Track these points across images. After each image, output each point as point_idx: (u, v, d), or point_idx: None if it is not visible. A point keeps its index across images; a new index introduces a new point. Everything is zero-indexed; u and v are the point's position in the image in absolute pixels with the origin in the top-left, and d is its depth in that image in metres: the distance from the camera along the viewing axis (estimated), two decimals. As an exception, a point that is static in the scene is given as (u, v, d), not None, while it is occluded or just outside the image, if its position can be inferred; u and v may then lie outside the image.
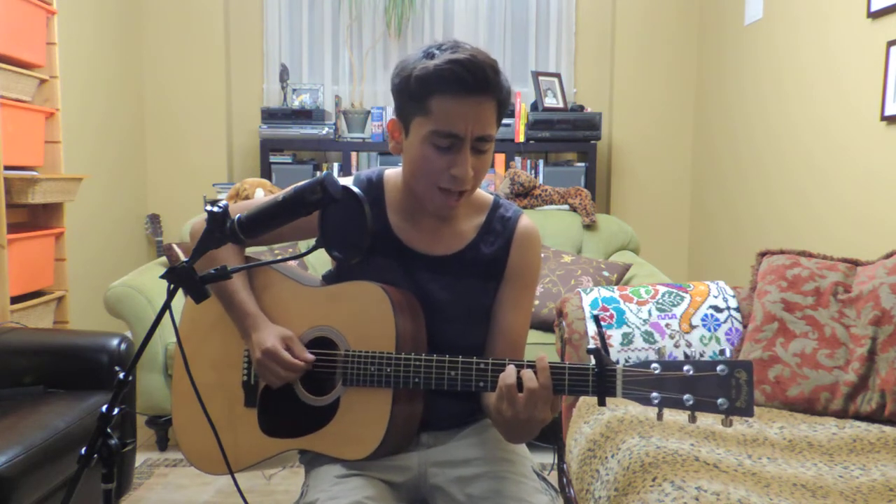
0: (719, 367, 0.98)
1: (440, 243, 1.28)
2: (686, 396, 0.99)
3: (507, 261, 1.29)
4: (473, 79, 1.11)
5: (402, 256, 1.27)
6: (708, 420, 1.59)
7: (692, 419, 1.01)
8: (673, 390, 1.00)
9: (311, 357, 1.23)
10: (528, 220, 1.32)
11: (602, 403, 1.05)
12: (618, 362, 1.06)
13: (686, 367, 1.00)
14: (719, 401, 0.97)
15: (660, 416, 1.02)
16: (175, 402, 1.37)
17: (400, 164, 1.27)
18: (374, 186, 1.31)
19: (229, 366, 1.32)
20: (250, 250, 1.43)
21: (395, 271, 1.27)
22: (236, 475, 1.23)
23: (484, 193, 1.34)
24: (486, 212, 1.31)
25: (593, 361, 1.05)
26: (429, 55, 1.14)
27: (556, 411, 1.10)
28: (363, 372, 1.19)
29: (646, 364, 1.02)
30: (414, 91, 1.13)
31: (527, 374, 1.05)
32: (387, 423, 1.18)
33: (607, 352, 1.05)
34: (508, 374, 1.05)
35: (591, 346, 1.05)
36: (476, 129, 1.14)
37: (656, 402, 1.01)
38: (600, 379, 1.04)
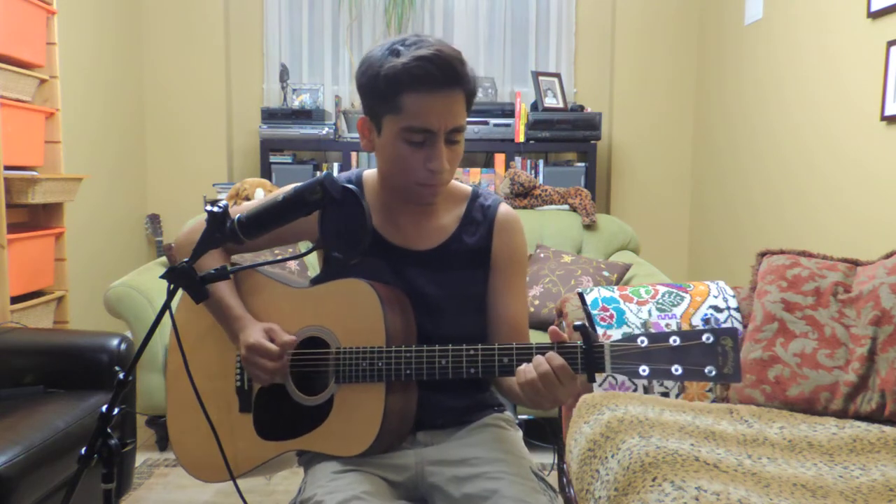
0: (705, 336, 1.00)
1: (423, 238, 1.29)
2: (675, 367, 1.01)
3: (490, 248, 1.30)
4: (442, 74, 1.12)
5: (387, 254, 1.28)
6: (708, 420, 1.59)
7: (682, 389, 1.02)
8: (661, 362, 1.01)
9: (292, 338, 1.23)
10: (507, 206, 1.34)
11: (592, 380, 1.06)
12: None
13: (672, 338, 1.01)
14: (707, 369, 0.99)
15: (648, 390, 1.03)
16: (171, 411, 1.36)
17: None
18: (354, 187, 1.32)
19: (222, 373, 1.32)
20: (238, 257, 1.42)
21: (383, 269, 1.27)
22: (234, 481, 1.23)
23: (462, 185, 1.36)
24: (466, 202, 1.33)
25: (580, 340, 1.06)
26: (394, 52, 1.14)
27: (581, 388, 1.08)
28: (355, 368, 1.19)
29: (632, 338, 1.03)
30: (383, 90, 1.14)
31: (538, 362, 1.06)
32: (381, 417, 1.18)
33: (594, 328, 1.06)
34: (528, 372, 1.06)
35: (578, 322, 1.05)
36: (448, 123, 1.15)
37: (645, 374, 1.02)
38: (588, 355, 1.04)
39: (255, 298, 1.31)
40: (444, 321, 1.27)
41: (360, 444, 1.19)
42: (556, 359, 1.05)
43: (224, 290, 1.28)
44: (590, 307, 1.94)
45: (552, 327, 1.08)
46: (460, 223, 1.31)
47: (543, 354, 1.07)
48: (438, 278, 1.28)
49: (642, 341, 1.02)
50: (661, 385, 1.64)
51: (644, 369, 1.01)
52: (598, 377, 1.07)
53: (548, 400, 1.06)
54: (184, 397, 1.31)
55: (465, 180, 3.61)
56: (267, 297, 1.31)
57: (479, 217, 1.31)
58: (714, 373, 0.99)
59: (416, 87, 1.12)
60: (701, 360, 1.00)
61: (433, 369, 1.16)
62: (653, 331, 1.03)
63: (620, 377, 1.59)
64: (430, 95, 1.12)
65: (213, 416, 1.28)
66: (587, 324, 1.06)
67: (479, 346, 1.14)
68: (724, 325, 1.89)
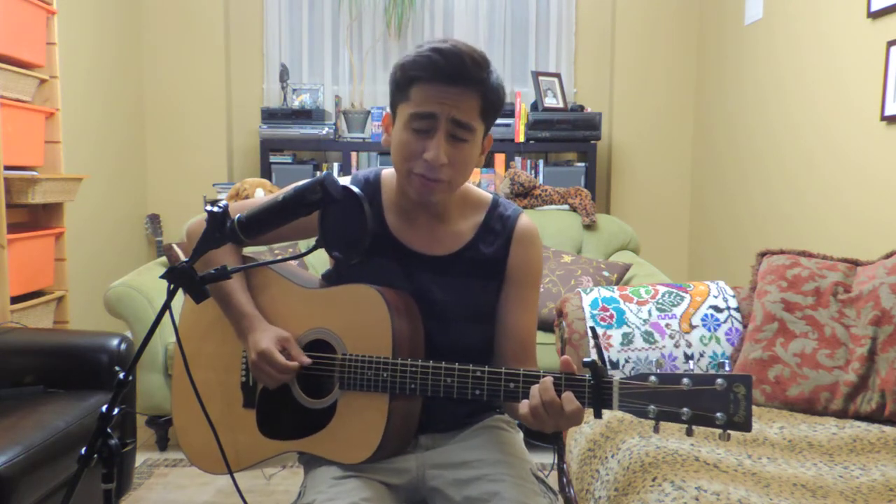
0: (718, 381, 0.97)
1: (438, 243, 1.27)
2: (683, 410, 0.98)
3: (507, 260, 1.28)
4: (450, 66, 1.12)
5: (400, 257, 1.26)
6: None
7: (689, 432, 1.00)
8: (670, 403, 0.99)
9: (306, 360, 1.22)
10: (527, 218, 1.31)
11: (598, 416, 1.04)
12: (615, 366, 1.05)
13: (684, 381, 0.98)
14: (717, 415, 0.96)
15: (656, 429, 1.01)
16: (175, 401, 1.37)
17: None
18: (371, 186, 1.31)
19: (228, 367, 1.32)
20: (248, 250, 1.42)
21: (394, 272, 1.26)
22: (236, 474, 1.23)
23: (483, 193, 1.33)
24: (485, 211, 1.30)
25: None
26: (418, 47, 1.17)
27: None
28: (360, 376, 1.18)
29: (643, 377, 1.01)
30: (399, 80, 1.17)
31: (545, 388, 1.03)
32: (383, 428, 1.17)
33: (604, 362, 1.04)
34: (534, 396, 1.05)
35: (588, 359, 1.03)
36: (452, 112, 1.13)
37: (653, 415, 1.00)
38: (597, 392, 1.02)
39: (265, 295, 1.31)
40: (452, 329, 1.25)
41: (361, 453, 1.18)
42: (550, 392, 1.03)
43: (234, 284, 1.27)
44: (591, 308, 1.94)
45: (565, 357, 1.06)
46: (477, 231, 1.28)
47: (553, 385, 1.04)
48: (450, 285, 1.25)
49: (653, 381, 1.00)
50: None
51: (652, 409, 0.99)
52: (605, 413, 1.05)
53: (549, 426, 1.05)
54: (189, 388, 1.31)
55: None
56: (276, 294, 1.30)
57: (497, 227, 1.29)
58: (724, 420, 0.96)
59: (423, 76, 1.13)
60: (711, 405, 0.97)
61: (438, 387, 1.14)
62: (665, 371, 1.00)
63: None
64: (437, 85, 1.13)
65: (216, 408, 1.29)
66: (597, 359, 1.04)
67: (486, 369, 1.12)
68: (723, 324, 1.89)
